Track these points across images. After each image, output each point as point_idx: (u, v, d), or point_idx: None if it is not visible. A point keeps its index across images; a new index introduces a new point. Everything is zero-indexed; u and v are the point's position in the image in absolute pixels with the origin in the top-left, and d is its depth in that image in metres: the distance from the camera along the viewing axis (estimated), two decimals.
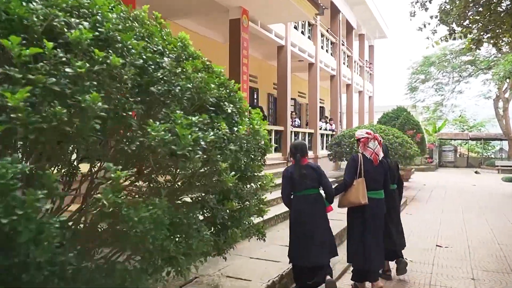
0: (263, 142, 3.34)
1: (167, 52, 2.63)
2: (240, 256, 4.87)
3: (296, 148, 4.24)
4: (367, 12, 22.03)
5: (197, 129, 2.31)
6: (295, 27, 14.57)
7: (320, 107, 22.87)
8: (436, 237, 7.51)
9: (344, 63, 20.30)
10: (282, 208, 6.68)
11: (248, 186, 3.38)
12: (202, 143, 2.27)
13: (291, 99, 19.15)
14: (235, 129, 2.82)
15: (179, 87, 2.46)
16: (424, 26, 10.76)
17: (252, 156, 3.20)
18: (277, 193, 5.23)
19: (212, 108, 2.81)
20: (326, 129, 17.80)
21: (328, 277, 4.08)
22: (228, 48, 10.63)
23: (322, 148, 16.77)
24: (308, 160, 4.30)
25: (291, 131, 13.84)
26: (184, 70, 2.59)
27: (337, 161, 15.61)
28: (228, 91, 3.09)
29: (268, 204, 4.57)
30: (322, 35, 17.32)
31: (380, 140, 4.44)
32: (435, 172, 25.86)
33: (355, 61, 22.15)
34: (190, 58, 2.91)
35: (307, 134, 15.49)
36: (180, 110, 2.38)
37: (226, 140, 2.62)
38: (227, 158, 2.58)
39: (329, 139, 17.11)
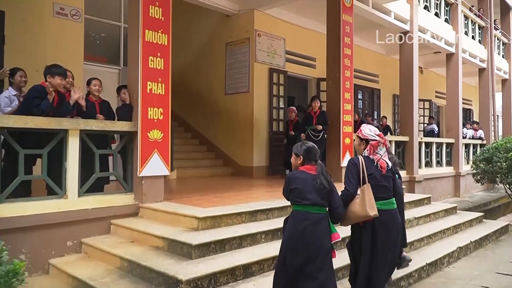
0: None
1: None
2: None
3: (309, 152, 3.26)
4: None
5: None
6: (426, 7, 11.30)
7: (466, 109, 18.63)
8: None
9: (498, 53, 15.84)
10: None
11: None
12: None
13: (426, 100, 15.64)
14: None
15: None
16: None
17: None
18: None
19: None
20: (471, 137, 13.85)
21: None
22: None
23: (468, 163, 12.96)
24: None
25: (420, 142, 10.64)
26: None
27: (489, 183, 11.72)
28: None
29: None
30: (466, 17, 13.50)
31: (389, 147, 3.68)
32: None
33: None
34: None
35: (444, 145, 11.98)
36: None
37: None
38: None
39: (477, 150, 13.20)
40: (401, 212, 3.92)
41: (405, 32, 10.43)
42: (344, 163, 7.95)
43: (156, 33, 5.07)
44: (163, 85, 5.12)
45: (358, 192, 3.36)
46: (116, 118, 5.31)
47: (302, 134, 8.08)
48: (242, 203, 5.11)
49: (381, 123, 12.37)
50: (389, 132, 10.52)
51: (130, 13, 5.16)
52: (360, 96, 13.13)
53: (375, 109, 13.69)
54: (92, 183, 4.78)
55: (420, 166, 10.58)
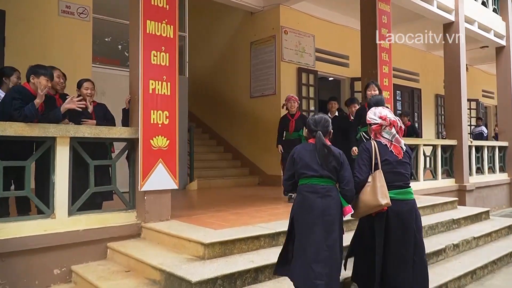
0: None
1: None
2: None
3: (317, 124, 3.07)
4: None
5: None
6: None
7: None
8: None
9: None
10: None
11: None
12: None
13: (473, 100, 14.29)
14: None
15: None
16: None
17: None
18: None
19: None
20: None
21: None
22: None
23: None
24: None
25: (470, 146, 9.46)
26: None
27: None
28: None
29: None
30: None
31: (401, 127, 3.23)
32: None
33: None
34: None
35: (497, 149, 10.70)
36: None
37: None
38: None
39: None
40: None
41: (450, 24, 9.35)
42: None
43: (159, 24, 4.36)
44: (168, 84, 4.39)
45: (369, 179, 3.07)
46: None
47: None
48: (263, 221, 4.29)
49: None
50: (414, 134, 9.40)
51: (130, 1, 4.49)
52: (398, 97, 12.03)
53: (416, 110, 12.55)
54: (89, 200, 4.11)
55: (471, 173, 9.40)
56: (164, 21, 4.40)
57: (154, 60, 4.30)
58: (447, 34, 9.34)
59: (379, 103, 3.67)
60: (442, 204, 6.15)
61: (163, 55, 4.37)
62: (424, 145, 8.46)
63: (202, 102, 10.76)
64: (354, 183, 3.05)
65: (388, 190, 2.98)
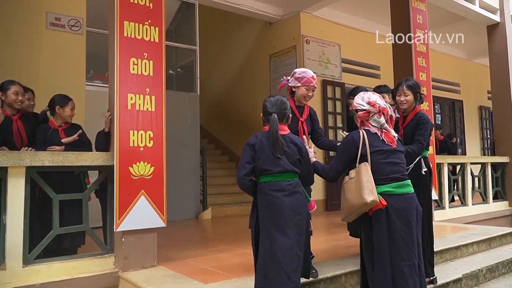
0: None
1: None
2: None
3: (273, 105, 2.74)
4: None
5: None
6: None
7: None
8: None
9: None
10: None
11: None
12: None
13: None
14: None
15: None
16: None
17: None
18: None
19: None
20: None
21: None
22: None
23: None
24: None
25: None
26: None
27: None
28: None
29: None
30: None
31: (391, 115, 2.82)
32: None
33: None
34: None
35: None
36: None
37: None
38: None
39: None
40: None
41: (495, 25, 8.24)
42: None
43: (141, 25, 3.58)
44: (153, 98, 3.58)
45: (353, 174, 2.71)
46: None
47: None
48: None
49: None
50: (447, 150, 8.19)
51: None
52: (437, 110, 10.86)
53: (458, 124, 11.29)
54: (55, 244, 3.33)
55: None
56: (147, 22, 3.62)
57: (134, 69, 3.52)
58: (491, 36, 8.23)
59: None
60: (501, 236, 5.01)
61: (145, 63, 3.58)
62: (471, 163, 7.30)
63: (219, 120, 10.01)
64: (323, 174, 2.87)
65: (386, 184, 2.63)
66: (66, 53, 5.55)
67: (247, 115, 9.18)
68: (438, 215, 6.24)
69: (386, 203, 2.57)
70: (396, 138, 2.80)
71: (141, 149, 3.49)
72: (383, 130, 2.75)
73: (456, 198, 7.13)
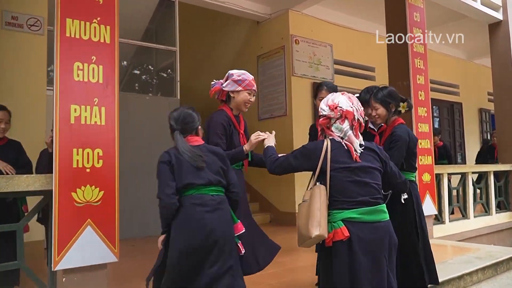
0: None
1: None
2: None
3: (176, 121, 2.51)
4: None
5: None
6: None
7: None
8: None
9: None
10: None
11: None
12: None
13: None
14: None
15: None
16: None
17: None
18: None
19: None
20: None
21: None
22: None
23: None
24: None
25: None
26: None
27: None
28: None
29: None
30: None
31: (359, 120, 2.33)
32: None
33: None
34: None
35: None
36: None
37: None
38: None
39: None
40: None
41: (497, 24, 7.73)
42: (424, 211, 5.35)
43: (88, 23, 3.04)
44: (102, 109, 3.03)
45: (307, 196, 2.25)
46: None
47: None
48: None
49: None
50: (446, 158, 7.66)
51: None
52: (436, 113, 10.34)
53: (457, 128, 10.78)
54: None
55: None
56: (95, 20, 3.07)
57: (78, 76, 2.96)
58: (493, 34, 7.72)
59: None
60: (508, 260, 4.48)
61: (93, 68, 3.03)
62: (473, 172, 6.78)
63: (202, 126, 9.45)
64: (270, 168, 2.46)
65: (351, 209, 2.17)
66: (24, 55, 5.00)
67: None
68: (437, 231, 5.72)
69: (348, 234, 2.12)
70: (359, 152, 2.26)
71: (88, 170, 2.94)
72: (345, 140, 2.27)
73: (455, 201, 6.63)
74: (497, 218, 7.03)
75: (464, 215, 6.47)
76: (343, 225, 2.13)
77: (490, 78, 8.04)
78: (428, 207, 5.38)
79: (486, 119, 11.78)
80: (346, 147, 2.25)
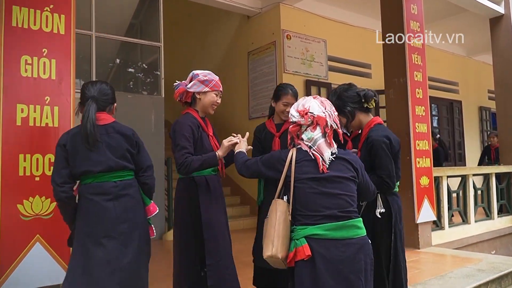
0: None
1: None
2: None
3: (90, 89, 2.27)
4: None
5: None
6: None
7: None
8: None
9: None
10: None
11: None
12: None
13: None
14: None
15: None
16: None
17: None
18: None
19: None
20: None
21: None
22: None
23: None
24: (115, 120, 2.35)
25: None
26: None
27: None
28: None
29: None
30: None
31: (331, 125, 2.07)
32: None
33: None
34: None
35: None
36: None
37: None
38: None
39: None
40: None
41: (499, 18, 7.37)
42: (421, 217, 5.02)
43: (38, 12, 2.68)
44: (55, 109, 2.68)
45: (270, 212, 2.04)
46: None
47: None
48: None
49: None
50: (442, 158, 7.31)
51: None
52: (434, 111, 9.98)
53: (457, 127, 10.42)
54: None
55: None
56: (47, 8, 2.72)
57: (26, 71, 2.61)
58: (495, 30, 7.36)
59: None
60: None
61: (44, 63, 2.67)
62: (474, 174, 6.42)
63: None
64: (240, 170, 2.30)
65: (316, 224, 1.94)
66: None
67: (224, 120, 8.27)
68: (436, 237, 5.37)
69: (309, 253, 1.89)
70: (327, 162, 1.99)
71: (37, 179, 2.59)
72: (313, 149, 2.02)
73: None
74: (499, 223, 6.68)
75: (465, 220, 6.12)
76: (306, 243, 1.90)
77: (491, 75, 7.69)
78: (426, 213, 5.03)
79: (486, 117, 11.43)
80: (313, 157, 2.00)
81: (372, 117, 2.59)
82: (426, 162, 5.16)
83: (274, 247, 1.92)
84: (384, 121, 5.98)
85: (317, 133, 2.03)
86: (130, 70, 7.07)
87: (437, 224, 5.58)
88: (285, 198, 2.03)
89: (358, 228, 1.99)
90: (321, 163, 1.98)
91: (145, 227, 2.34)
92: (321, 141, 2.02)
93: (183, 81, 2.68)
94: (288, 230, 1.97)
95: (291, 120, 2.12)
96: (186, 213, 2.59)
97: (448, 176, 5.82)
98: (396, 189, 2.54)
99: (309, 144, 2.03)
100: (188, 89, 2.63)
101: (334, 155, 2.03)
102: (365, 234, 2.01)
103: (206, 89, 2.61)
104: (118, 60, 6.95)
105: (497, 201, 6.81)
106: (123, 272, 2.16)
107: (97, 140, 2.16)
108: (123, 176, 2.27)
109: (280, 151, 2.21)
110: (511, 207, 7.10)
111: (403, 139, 5.04)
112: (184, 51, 9.31)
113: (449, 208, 5.86)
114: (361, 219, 2.03)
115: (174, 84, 2.70)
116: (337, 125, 2.10)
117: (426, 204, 5.05)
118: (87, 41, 6.05)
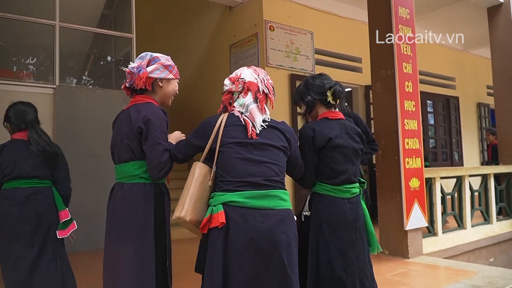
0: None
1: None
2: None
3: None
4: None
5: None
6: None
7: None
8: None
9: None
10: None
11: None
12: None
13: None
14: None
15: None
16: None
17: None
18: None
19: None
20: None
21: None
22: None
23: None
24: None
25: None
26: None
27: None
28: None
29: None
30: None
31: (263, 91, 2.03)
32: None
33: None
34: None
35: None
36: None
37: None
38: None
39: None
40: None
41: (497, 7, 6.89)
42: (410, 224, 4.55)
43: None
44: None
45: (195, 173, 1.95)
46: None
47: None
48: None
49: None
50: (429, 158, 6.86)
51: None
52: (430, 108, 9.50)
53: (454, 124, 9.93)
54: None
55: None
56: None
57: None
58: (493, 20, 6.89)
59: None
60: None
61: None
62: (470, 175, 5.94)
63: (175, 123, 8.64)
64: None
65: (236, 191, 1.81)
66: None
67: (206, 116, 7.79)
68: (428, 245, 4.91)
69: (224, 220, 1.78)
70: (259, 128, 1.93)
71: None
72: (244, 115, 1.96)
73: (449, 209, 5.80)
74: (498, 227, 6.22)
75: (460, 225, 5.65)
76: (222, 210, 1.80)
77: (489, 70, 7.22)
78: (417, 219, 4.57)
79: (485, 114, 10.95)
80: (243, 123, 1.94)
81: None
82: (417, 162, 4.69)
83: (184, 209, 1.84)
84: (371, 119, 5.54)
85: (249, 98, 1.98)
86: (102, 63, 6.60)
87: (430, 230, 5.11)
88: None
89: (282, 200, 1.88)
90: (250, 128, 1.90)
91: (53, 223, 2.65)
92: (253, 106, 1.97)
93: (134, 64, 2.16)
94: (205, 195, 1.90)
95: (224, 89, 2.05)
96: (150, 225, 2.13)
97: (441, 177, 5.34)
98: (336, 193, 2.24)
99: (241, 110, 1.97)
100: (150, 75, 2.13)
101: (267, 123, 1.96)
102: (290, 207, 1.92)
103: (171, 75, 2.20)
104: (88, 53, 6.47)
105: (496, 203, 6.34)
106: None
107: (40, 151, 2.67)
108: (33, 183, 2.59)
109: (211, 117, 2.04)
110: (511, 210, 6.63)
111: (390, 136, 4.58)
112: (164, 44, 8.84)
113: (443, 212, 5.40)
114: (287, 192, 1.93)
115: (132, 65, 2.17)
116: (269, 90, 2.03)
117: (416, 208, 4.58)
118: (50, 31, 5.57)
